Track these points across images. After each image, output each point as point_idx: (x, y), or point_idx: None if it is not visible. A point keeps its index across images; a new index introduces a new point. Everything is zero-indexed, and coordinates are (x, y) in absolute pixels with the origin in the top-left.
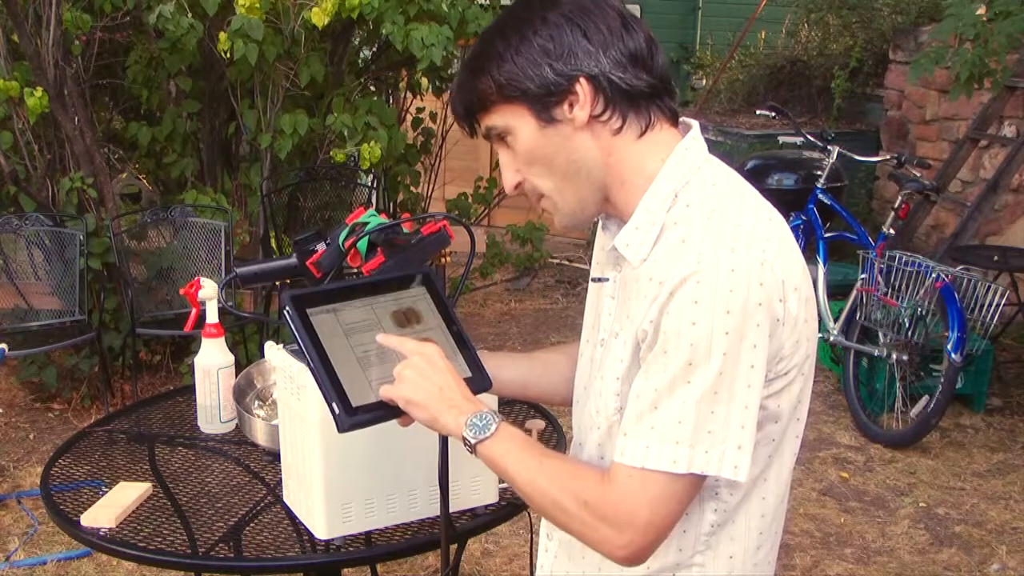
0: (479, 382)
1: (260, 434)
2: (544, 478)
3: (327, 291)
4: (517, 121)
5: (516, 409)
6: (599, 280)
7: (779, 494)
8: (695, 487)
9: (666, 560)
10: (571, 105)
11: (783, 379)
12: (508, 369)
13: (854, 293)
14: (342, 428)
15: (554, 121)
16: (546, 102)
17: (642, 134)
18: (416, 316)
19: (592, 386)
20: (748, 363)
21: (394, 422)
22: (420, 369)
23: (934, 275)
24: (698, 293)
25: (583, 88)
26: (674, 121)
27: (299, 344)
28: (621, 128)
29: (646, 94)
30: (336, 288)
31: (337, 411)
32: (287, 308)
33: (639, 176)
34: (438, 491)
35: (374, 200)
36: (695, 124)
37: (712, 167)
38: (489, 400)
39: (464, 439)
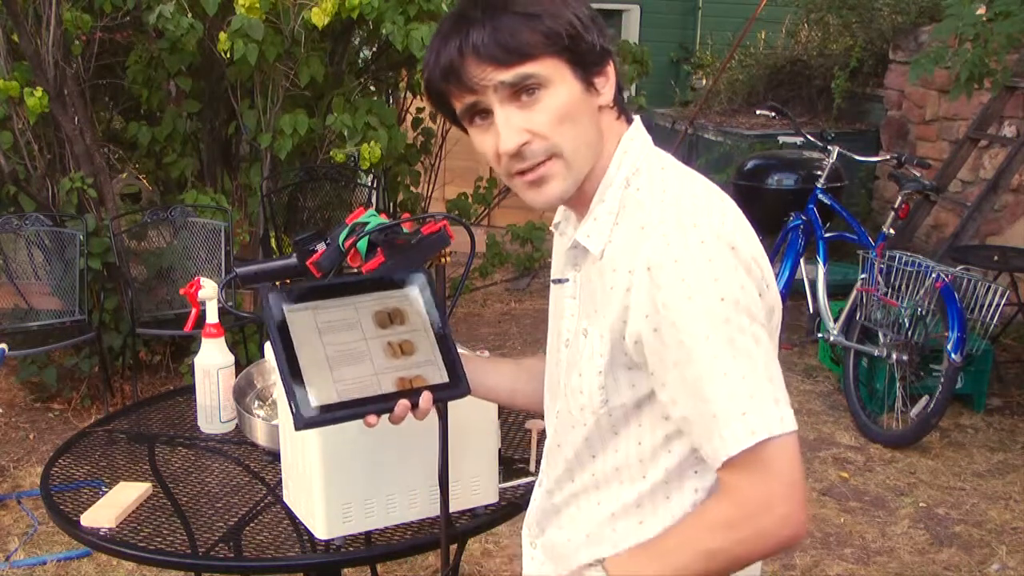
0: (456, 388)
1: (260, 434)
2: (681, 548)
3: (313, 288)
4: (559, 76)
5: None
6: (559, 281)
7: None
8: (792, 437)
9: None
10: (602, 81)
11: (773, 339)
12: (493, 376)
13: (854, 293)
14: (297, 426)
15: (592, 88)
16: (590, 69)
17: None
18: (400, 317)
19: (570, 384)
20: (748, 322)
21: (388, 425)
22: None
23: (934, 275)
24: (681, 271)
25: (611, 70)
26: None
27: (270, 339)
28: (617, 119)
29: (620, 91)
30: (322, 285)
31: (294, 409)
32: (266, 303)
33: (600, 167)
34: (438, 491)
35: (374, 200)
36: (636, 117)
37: (659, 155)
38: (487, 407)
39: None
